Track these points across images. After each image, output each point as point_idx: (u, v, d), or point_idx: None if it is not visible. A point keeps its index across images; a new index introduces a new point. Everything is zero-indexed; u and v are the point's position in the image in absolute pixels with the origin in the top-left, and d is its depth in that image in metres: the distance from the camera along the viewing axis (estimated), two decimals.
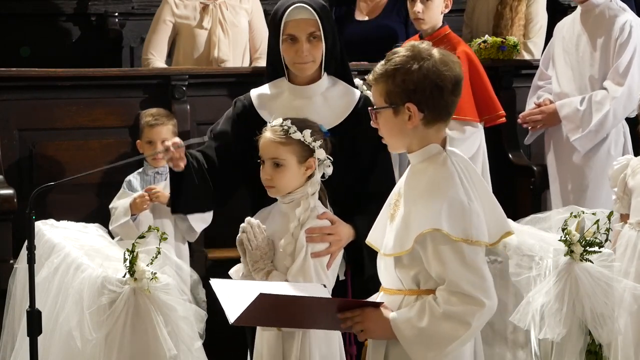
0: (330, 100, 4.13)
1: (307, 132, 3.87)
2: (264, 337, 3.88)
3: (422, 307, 3.17)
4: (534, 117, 6.03)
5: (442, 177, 3.20)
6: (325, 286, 3.68)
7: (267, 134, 3.90)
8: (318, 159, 3.89)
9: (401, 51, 3.27)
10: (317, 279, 3.77)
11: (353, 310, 3.27)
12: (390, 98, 3.23)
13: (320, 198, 3.94)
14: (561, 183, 5.99)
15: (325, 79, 4.18)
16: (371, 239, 3.41)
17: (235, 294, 3.47)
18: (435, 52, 3.28)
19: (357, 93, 4.19)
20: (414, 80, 3.20)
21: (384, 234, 3.31)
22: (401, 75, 3.21)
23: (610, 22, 5.85)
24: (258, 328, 3.89)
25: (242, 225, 3.89)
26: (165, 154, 4.01)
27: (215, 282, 3.64)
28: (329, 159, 3.92)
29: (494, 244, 3.32)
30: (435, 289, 3.18)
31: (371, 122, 3.32)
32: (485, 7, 6.97)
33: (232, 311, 3.39)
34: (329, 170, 3.93)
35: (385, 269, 3.32)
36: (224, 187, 4.17)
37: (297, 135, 3.86)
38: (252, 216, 3.95)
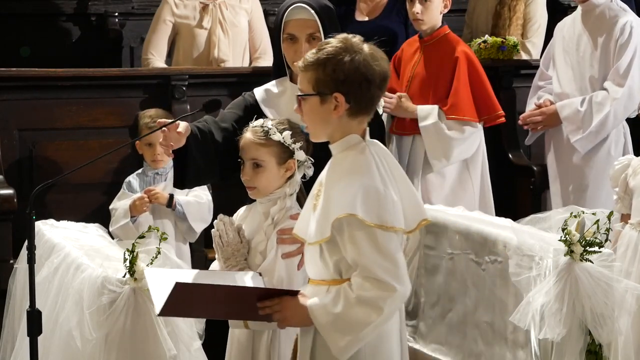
0: None
1: (287, 133, 3.88)
2: (234, 336, 3.89)
3: (337, 293, 3.24)
4: (534, 118, 6.03)
5: (359, 164, 3.29)
6: (260, 274, 3.73)
7: (248, 135, 3.91)
8: (298, 160, 3.90)
9: (333, 42, 3.33)
10: (288, 280, 3.80)
11: (272, 299, 3.33)
12: (318, 86, 3.30)
13: (298, 199, 3.95)
14: (561, 183, 5.98)
15: None
16: (296, 231, 3.47)
17: (166, 284, 3.48)
18: (366, 46, 3.34)
19: None
20: (344, 71, 3.27)
21: (308, 225, 3.37)
22: (332, 65, 3.28)
23: (611, 23, 5.84)
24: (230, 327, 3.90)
25: (215, 221, 3.91)
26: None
27: (148, 272, 3.68)
28: (310, 160, 3.92)
29: (411, 231, 3.40)
30: None
31: (294, 108, 3.37)
32: (485, 7, 6.97)
33: (159, 302, 3.42)
34: (310, 172, 3.94)
35: (310, 260, 3.39)
36: (226, 160, 4.15)
37: (277, 137, 3.87)
38: None
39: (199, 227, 5.44)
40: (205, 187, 5.53)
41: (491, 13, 6.89)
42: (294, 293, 3.34)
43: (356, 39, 3.35)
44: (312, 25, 4.05)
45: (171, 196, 5.37)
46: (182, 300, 3.35)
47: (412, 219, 3.38)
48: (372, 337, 3.26)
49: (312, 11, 4.05)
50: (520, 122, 6.12)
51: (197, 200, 5.43)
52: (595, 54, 5.87)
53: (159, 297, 3.43)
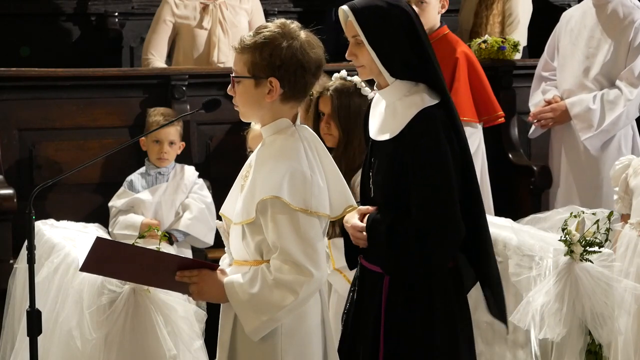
0: (396, 111, 3.70)
1: None
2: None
3: (255, 273, 3.27)
4: (545, 114, 6.00)
5: (288, 148, 3.32)
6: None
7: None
8: None
9: (271, 26, 3.36)
10: None
11: (191, 270, 3.35)
12: (254, 70, 3.33)
13: None
14: (570, 181, 5.96)
15: (396, 86, 3.65)
16: (223, 210, 3.49)
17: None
18: (303, 33, 3.37)
19: (421, 107, 3.61)
20: (281, 57, 3.31)
21: (235, 205, 3.39)
22: (269, 49, 3.31)
23: (624, 21, 5.82)
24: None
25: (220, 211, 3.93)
26: None
27: (82, 238, 3.74)
28: None
29: (336, 217, 3.44)
30: None
31: (228, 89, 3.39)
32: (470, 5, 6.95)
33: (82, 259, 3.44)
34: None
35: (235, 239, 3.40)
36: None
37: None
38: None
39: (209, 238, 5.42)
40: (204, 187, 5.52)
41: (474, 11, 6.89)
42: (214, 267, 3.36)
43: (294, 25, 3.37)
44: (351, 28, 3.79)
45: (169, 235, 5.34)
46: (102, 258, 3.36)
47: (338, 205, 3.41)
48: (290, 319, 3.28)
49: (352, 14, 3.78)
50: (530, 118, 6.09)
51: (197, 215, 5.40)
52: (606, 51, 5.84)
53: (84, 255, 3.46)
